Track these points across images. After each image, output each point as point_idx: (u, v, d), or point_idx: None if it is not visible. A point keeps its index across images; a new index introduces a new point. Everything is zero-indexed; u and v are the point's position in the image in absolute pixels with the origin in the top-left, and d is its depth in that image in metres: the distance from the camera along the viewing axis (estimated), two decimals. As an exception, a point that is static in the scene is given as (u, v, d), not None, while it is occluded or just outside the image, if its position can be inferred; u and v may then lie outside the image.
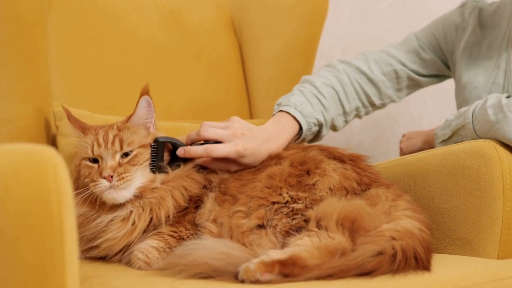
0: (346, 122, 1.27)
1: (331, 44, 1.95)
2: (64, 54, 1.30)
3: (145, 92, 0.95)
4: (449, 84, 1.45)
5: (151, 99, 0.96)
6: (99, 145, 0.92)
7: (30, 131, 1.11)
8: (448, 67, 1.33)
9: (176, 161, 0.98)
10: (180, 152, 0.98)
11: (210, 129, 1.00)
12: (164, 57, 1.43)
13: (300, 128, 1.14)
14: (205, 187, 0.96)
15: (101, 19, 1.37)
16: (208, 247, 0.81)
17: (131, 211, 0.90)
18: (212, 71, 1.51)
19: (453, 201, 0.99)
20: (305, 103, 1.17)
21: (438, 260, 0.84)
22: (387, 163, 1.17)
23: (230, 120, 1.04)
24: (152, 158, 0.95)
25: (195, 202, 0.94)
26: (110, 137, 0.92)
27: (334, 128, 1.25)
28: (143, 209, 0.90)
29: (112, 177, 0.88)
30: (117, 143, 0.92)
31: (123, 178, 0.88)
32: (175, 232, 0.90)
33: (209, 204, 0.92)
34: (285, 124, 1.12)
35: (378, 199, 0.88)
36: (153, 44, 1.43)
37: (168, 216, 0.90)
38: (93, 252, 0.92)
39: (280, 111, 1.15)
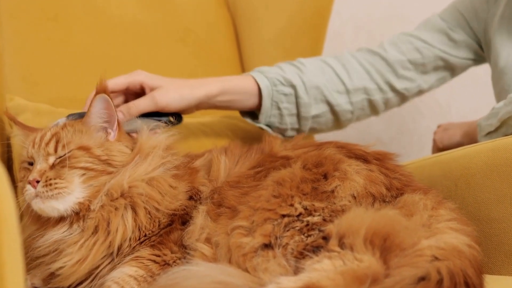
0: (352, 104, 1.26)
1: (341, 22, 1.93)
2: (20, 37, 1.26)
3: (101, 89, 0.92)
4: (482, 68, 1.42)
5: (111, 98, 0.92)
6: (33, 145, 0.90)
7: (-24, 131, 1.08)
8: (482, 49, 1.31)
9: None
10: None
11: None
12: (143, 39, 1.41)
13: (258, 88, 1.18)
14: (192, 198, 0.93)
15: (65, -6, 1.35)
16: (200, 275, 0.77)
17: (81, 232, 0.88)
18: (201, 54, 1.49)
19: (505, 208, 0.94)
20: (267, 68, 1.21)
21: (492, 284, 0.79)
22: (420, 162, 1.14)
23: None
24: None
25: (181, 217, 0.91)
26: (48, 136, 0.90)
27: (332, 108, 1.25)
28: (90, 233, 0.87)
29: (38, 182, 0.86)
30: (52, 144, 0.89)
31: (50, 184, 0.85)
32: (158, 255, 0.86)
33: (200, 219, 0.88)
34: (228, 76, 1.19)
35: (414, 208, 0.84)
36: (129, 23, 1.40)
37: (128, 240, 0.87)
38: (55, 280, 0.89)
39: None
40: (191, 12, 1.49)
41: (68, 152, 0.89)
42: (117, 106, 1.07)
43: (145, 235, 0.88)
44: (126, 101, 1.09)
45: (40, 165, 0.88)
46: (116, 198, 0.88)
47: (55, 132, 0.91)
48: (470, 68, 1.37)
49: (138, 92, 1.09)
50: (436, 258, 0.73)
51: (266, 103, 1.18)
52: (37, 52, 1.27)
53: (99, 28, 1.35)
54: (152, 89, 1.07)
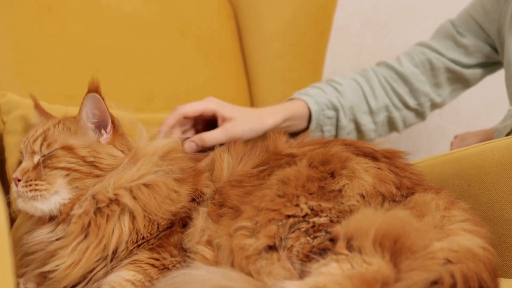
0: (376, 124, 1.32)
1: (346, 15, 1.92)
2: (13, 30, 1.25)
3: (93, 88, 0.91)
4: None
5: (103, 98, 0.92)
6: (24, 141, 0.91)
7: (-33, 129, 1.08)
8: (497, 51, 1.32)
9: None
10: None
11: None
12: (141, 32, 1.40)
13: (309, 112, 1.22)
14: (193, 199, 0.92)
15: (60, -15, 1.34)
16: (200, 279, 0.77)
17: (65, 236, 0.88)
18: (201, 49, 1.48)
19: (521, 208, 0.93)
20: (313, 90, 1.25)
21: (508, 289, 0.79)
22: (431, 160, 1.13)
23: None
24: None
25: (182, 220, 0.90)
26: (38, 132, 0.91)
27: (359, 128, 1.30)
28: (75, 237, 0.86)
29: (19, 181, 0.87)
30: (38, 141, 0.90)
31: (30, 185, 0.86)
32: (157, 259, 0.86)
33: (201, 221, 0.88)
34: (286, 103, 1.22)
35: (426, 208, 0.83)
36: (127, 16, 1.39)
37: (124, 243, 0.87)
38: (48, 283, 0.89)
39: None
40: (192, 5, 1.48)
41: (51, 152, 0.88)
42: (185, 131, 1.10)
43: (143, 238, 0.88)
44: (194, 125, 1.13)
45: (25, 163, 0.88)
46: (107, 205, 0.87)
47: (46, 129, 0.91)
48: (483, 79, 1.39)
49: (207, 119, 1.13)
50: (449, 261, 0.72)
51: (312, 126, 1.24)
52: (31, 46, 1.25)
53: (96, 22, 1.34)
54: (224, 119, 1.11)
